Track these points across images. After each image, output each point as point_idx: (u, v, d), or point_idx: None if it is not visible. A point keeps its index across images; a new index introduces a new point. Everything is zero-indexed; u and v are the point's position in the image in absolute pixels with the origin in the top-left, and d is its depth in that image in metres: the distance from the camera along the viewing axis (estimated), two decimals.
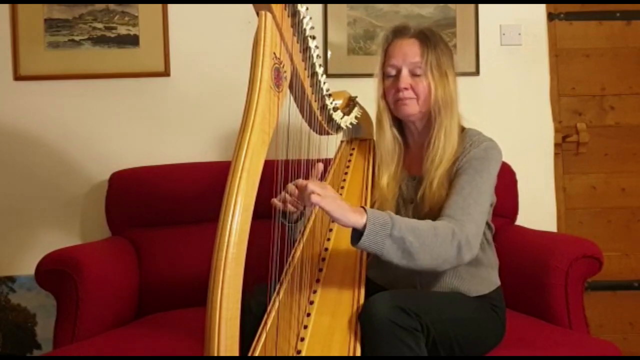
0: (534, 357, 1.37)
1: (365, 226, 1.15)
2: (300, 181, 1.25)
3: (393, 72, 1.43)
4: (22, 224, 2.17)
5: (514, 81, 2.25)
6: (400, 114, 1.44)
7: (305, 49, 1.19)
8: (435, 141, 1.39)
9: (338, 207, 1.14)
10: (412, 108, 1.42)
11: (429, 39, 1.42)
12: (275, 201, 1.29)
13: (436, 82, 1.39)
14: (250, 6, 1.03)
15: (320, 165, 1.33)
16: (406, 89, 1.40)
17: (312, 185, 1.14)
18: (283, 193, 1.30)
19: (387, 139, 1.48)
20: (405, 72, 1.41)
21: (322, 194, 1.13)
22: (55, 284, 1.61)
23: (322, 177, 1.46)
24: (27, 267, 2.04)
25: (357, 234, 1.17)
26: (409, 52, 1.41)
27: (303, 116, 1.31)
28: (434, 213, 1.35)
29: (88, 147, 2.18)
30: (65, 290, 1.60)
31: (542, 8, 2.27)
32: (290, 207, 1.30)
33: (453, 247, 1.22)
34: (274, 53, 1.02)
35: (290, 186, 1.29)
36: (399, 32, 1.45)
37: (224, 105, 2.18)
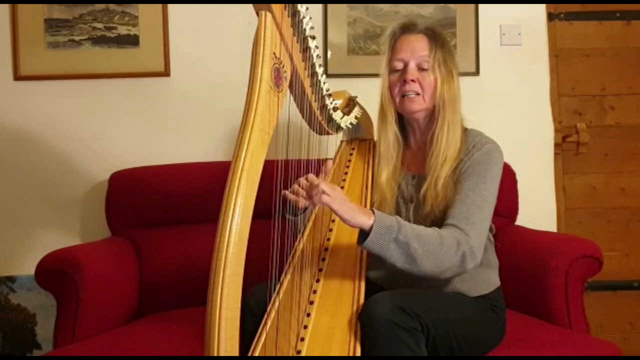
0: (534, 357, 1.37)
1: (371, 228, 1.17)
2: (312, 177, 1.26)
3: (400, 65, 1.44)
4: (22, 224, 2.17)
5: (514, 81, 2.25)
6: (406, 110, 1.44)
7: (305, 49, 1.19)
8: (438, 136, 1.39)
9: (347, 208, 1.18)
10: (417, 104, 1.42)
11: (437, 36, 1.44)
12: (289, 194, 1.30)
13: (443, 78, 1.40)
14: (250, 6, 1.03)
15: (330, 163, 1.35)
16: (413, 81, 1.41)
17: (324, 185, 1.17)
18: (295, 185, 1.30)
19: (390, 132, 1.48)
20: (412, 65, 1.41)
21: (332, 195, 1.17)
22: (55, 284, 1.61)
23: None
24: (27, 267, 2.04)
25: (363, 235, 1.20)
26: (417, 46, 1.42)
27: (303, 116, 1.31)
28: (436, 213, 1.36)
29: (88, 147, 2.18)
30: (65, 290, 1.59)
31: (542, 8, 2.26)
32: (301, 201, 1.30)
33: (457, 256, 1.23)
34: (274, 53, 1.02)
35: (302, 180, 1.29)
36: (406, 28, 1.46)
37: (224, 105, 2.18)
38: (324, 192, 1.17)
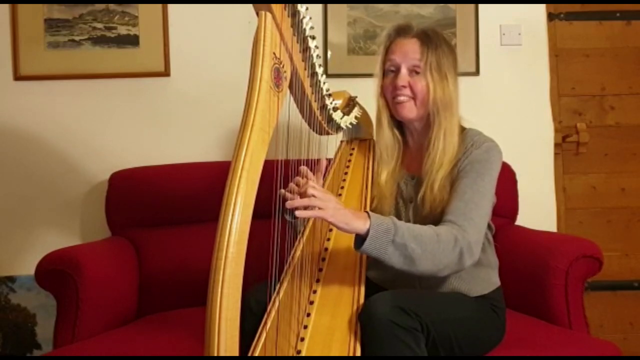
0: (534, 357, 1.37)
1: (368, 232, 1.16)
2: (301, 179, 1.25)
3: (392, 69, 1.43)
4: (22, 224, 2.17)
5: (514, 81, 2.25)
6: (398, 115, 1.45)
7: (305, 49, 1.19)
8: (434, 142, 1.38)
9: (341, 216, 1.16)
10: (409, 111, 1.42)
11: (430, 39, 1.42)
12: (287, 194, 1.29)
13: (435, 83, 1.39)
14: (250, 6, 1.03)
15: (324, 161, 1.33)
16: (404, 86, 1.40)
17: (313, 190, 1.14)
18: (291, 184, 1.29)
19: (386, 136, 1.48)
20: (404, 70, 1.41)
21: (324, 206, 1.14)
22: (55, 284, 1.61)
23: (324, 176, 1.47)
24: (27, 267, 2.04)
25: (360, 239, 1.18)
26: (410, 50, 1.41)
27: (303, 116, 1.31)
28: (435, 214, 1.36)
29: (88, 147, 2.18)
30: (65, 290, 1.60)
31: (542, 8, 2.27)
32: None
33: (455, 253, 1.22)
34: (274, 53, 1.02)
35: (299, 179, 1.29)
36: (401, 31, 1.45)
37: (224, 105, 2.18)
38: (316, 206, 1.13)
